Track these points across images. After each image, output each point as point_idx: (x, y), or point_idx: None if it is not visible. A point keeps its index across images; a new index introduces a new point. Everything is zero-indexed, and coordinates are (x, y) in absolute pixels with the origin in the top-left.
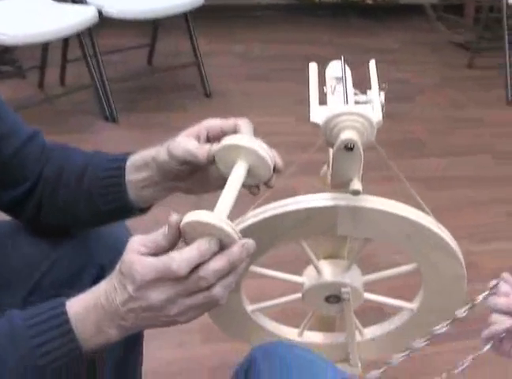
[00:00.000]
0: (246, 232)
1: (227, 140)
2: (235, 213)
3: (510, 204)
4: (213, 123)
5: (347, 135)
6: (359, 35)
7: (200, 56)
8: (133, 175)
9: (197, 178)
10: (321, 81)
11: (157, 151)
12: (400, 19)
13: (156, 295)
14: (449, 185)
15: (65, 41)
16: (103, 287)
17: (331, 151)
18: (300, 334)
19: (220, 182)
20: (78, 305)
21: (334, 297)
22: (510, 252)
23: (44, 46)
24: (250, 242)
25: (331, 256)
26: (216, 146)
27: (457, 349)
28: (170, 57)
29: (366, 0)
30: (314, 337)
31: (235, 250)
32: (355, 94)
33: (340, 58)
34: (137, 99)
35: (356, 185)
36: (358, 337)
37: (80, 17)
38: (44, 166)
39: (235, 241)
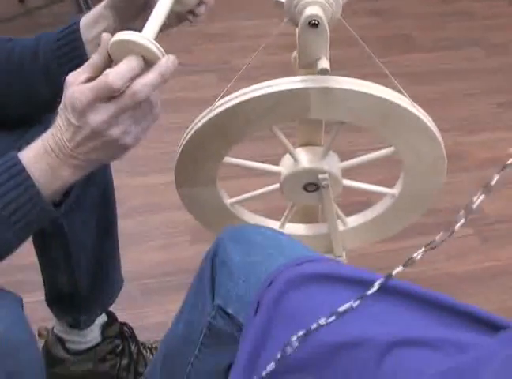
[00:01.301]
0: (216, 120)
1: None
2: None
3: (501, 94)
4: None
5: (311, 11)
6: None
7: None
8: (89, 33)
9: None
10: None
11: None
12: None
13: (97, 117)
14: (439, 78)
15: None
16: (49, 131)
17: (297, 30)
18: (282, 226)
19: (172, 20)
20: (29, 155)
21: (312, 185)
22: (502, 141)
23: None
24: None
25: (307, 143)
26: None
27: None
28: None
29: None
30: (296, 229)
31: (162, 63)
32: None
33: None
34: None
35: (324, 63)
36: (341, 226)
37: None
38: None
39: (158, 57)
